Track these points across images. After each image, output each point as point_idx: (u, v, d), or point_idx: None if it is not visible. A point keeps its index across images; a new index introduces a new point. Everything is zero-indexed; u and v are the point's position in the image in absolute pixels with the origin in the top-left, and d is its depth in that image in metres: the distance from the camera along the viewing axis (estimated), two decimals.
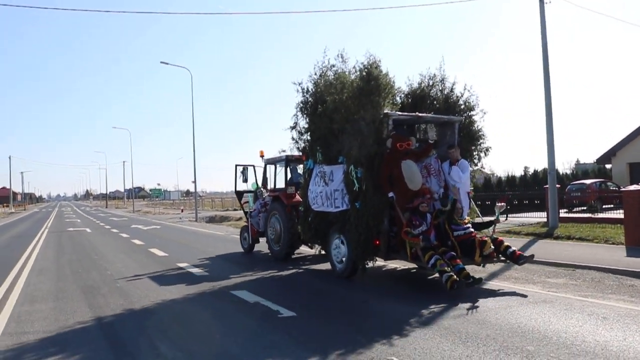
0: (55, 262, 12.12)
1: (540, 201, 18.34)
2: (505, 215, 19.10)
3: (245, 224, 13.44)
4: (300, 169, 11.64)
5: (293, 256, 11.57)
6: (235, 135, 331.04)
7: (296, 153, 10.49)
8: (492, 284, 7.76)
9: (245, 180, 13.46)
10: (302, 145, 9.56)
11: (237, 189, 13.99)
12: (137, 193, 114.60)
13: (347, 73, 8.63)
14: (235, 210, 37.34)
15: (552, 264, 9.28)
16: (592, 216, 15.85)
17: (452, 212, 7.76)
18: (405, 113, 8.55)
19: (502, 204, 8.16)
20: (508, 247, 7.60)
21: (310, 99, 9.03)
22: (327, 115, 8.38)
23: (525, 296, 6.82)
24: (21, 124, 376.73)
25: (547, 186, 15.25)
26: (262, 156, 12.91)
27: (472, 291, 7.16)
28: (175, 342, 5.21)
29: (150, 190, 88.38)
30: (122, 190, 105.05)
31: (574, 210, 19.55)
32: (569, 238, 12.50)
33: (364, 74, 8.16)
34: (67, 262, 12.15)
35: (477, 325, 5.42)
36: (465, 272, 7.03)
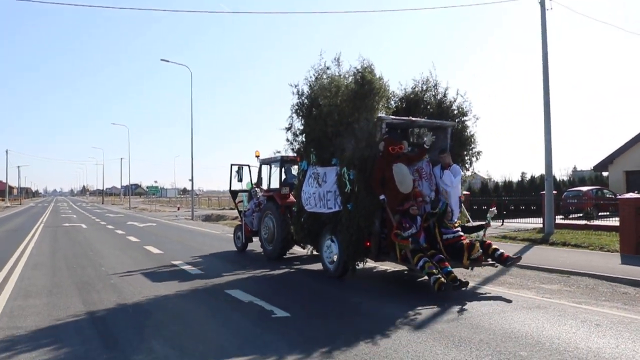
0: (50, 258, 12.08)
1: (537, 207, 18.39)
2: (501, 221, 19.21)
3: (239, 223, 13.48)
4: (294, 169, 11.73)
5: (285, 256, 11.65)
6: (234, 134, 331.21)
7: (291, 154, 10.57)
8: (487, 289, 7.78)
9: (240, 180, 13.55)
10: (297, 146, 9.66)
11: (232, 188, 14.08)
12: (133, 190, 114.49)
13: (341, 77, 8.74)
14: (231, 209, 37.27)
15: (547, 270, 9.30)
16: (588, 223, 15.89)
17: (443, 215, 7.87)
18: (399, 117, 8.70)
19: (493, 208, 8.32)
20: (496, 249, 7.71)
21: (305, 101, 9.13)
22: (322, 117, 8.51)
23: (510, 301, 6.83)
24: (19, 118, 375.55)
25: (543, 192, 15.29)
26: (257, 156, 13.00)
27: (465, 295, 7.20)
28: (168, 340, 5.20)
29: (147, 187, 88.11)
30: (119, 186, 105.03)
31: (570, 216, 19.61)
32: (564, 244, 12.54)
33: (358, 78, 8.30)
34: (62, 257, 12.11)
35: (471, 330, 5.42)
36: (452, 274, 7.12)
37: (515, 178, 41.89)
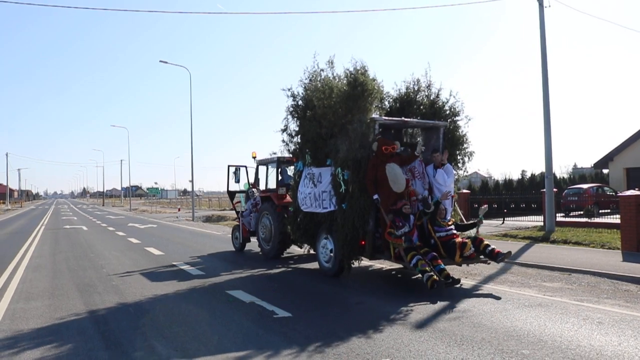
0: (51, 260, 12.09)
1: (537, 205, 18.40)
2: (502, 219, 19.22)
3: (237, 223, 13.58)
4: (290, 170, 11.86)
5: (283, 255, 11.76)
6: (234, 135, 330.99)
7: (287, 155, 10.69)
8: (488, 287, 7.79)
9: (237, 181, 13.71)
10: (293, 147, 9.77)
11: (230, 189, 14.20)
12: (134, 191, 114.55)
13: (335, 79, 8.86)
14: (232, 210, 37.27)
15: (548, 267, 9.31)
16: (589, 221, 15.90)
17: (436, 213, 7.99)
18: (392, 118, 8.86)
19: (485, 206, 8.48)
20: (487, 245, 7.87)
21: (300, 103, 9.23)
22: (316, 119, 8.63)
23: (512, 299, 6.84)
24: (19, 120, 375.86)
25: (544, 190, 15.29)
26: (254, 157, 13.22)
27: (466, 293, 7.24)
28: (171, 341, 5.20)
29: (148, 189, 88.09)
30: (119, 188, 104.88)
31: (571, 214, 19.63)
32: (565, 242, 12.54)
33: (351, 79, 8.42)
34: (64, 259, 12.12)
35: (473, 328, 5.42)
36: (445, 272, 7.32)
37: (516, 176, 41.92)
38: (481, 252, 7.84)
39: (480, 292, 7.45)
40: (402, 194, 8.05)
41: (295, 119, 9.37)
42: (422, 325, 5.63)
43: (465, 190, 20.94)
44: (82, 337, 5.42)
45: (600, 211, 18.18)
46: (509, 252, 7.95)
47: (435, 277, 7.14)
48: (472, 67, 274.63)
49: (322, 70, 9.08)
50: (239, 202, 13.52)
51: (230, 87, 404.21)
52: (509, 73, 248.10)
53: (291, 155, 10.22)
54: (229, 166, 13.77)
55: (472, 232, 8.54)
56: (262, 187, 12.88)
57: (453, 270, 8.81)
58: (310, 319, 6.07)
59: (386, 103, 9.64)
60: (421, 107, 9.53)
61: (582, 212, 18.40)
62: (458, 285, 7.50)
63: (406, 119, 8.88)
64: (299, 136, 9.46)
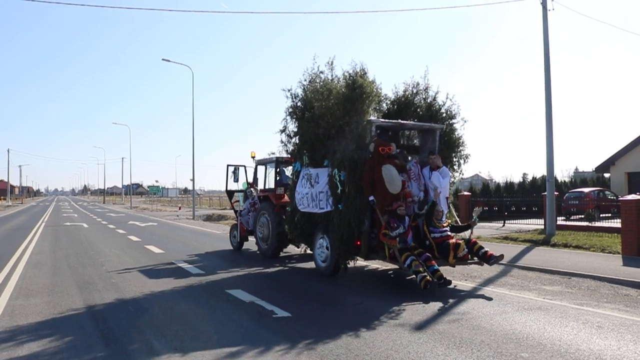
0: (51, 257, 12.10)
1: (538, 208, 18.38)
2: (502, 222, 19.20)
3: (236, 222, 13.62)
4: (289, 170, 11.95)
5: (280, 254, 11.86)
6: (236, 134, 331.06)
7: (285, 155, 10.74)
8: (487, 290, 7.78)
9: (236, 180, 13.79)
10: (291, 148, 9.82)
11: (228, 188, 14.28)
12: (135, 189, 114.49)
13: (334, 80, 8.93)
14: (231, 209, 37.29)
15: (549, 271, 9.29)
16: (590, 225, 15.87)
17: (431, 215, 8.06)
18: (388, 120, 8.96)
19: (479, 208, 8.57)
20: (481, 247, 7.96)
21: (299, 104, 9.28)
22: (314, 120, 8.68)
23: (511, 302, 6.83)
24: (21, 117, 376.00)
25: (545, 193, 15.27)
26: (253, 157, 13.32)
27: (466, 296, 7.24)
28: (170, 340, 5.20)
29: (148, 187, 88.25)
30: (120, 186, 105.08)
31: (572, 218, 19.59)
32: (565, 246, 12.52)
33: (349, 82, 8.49)
34: (64, 256, 12.13)
35: (472, 331, 5.42)
36: (439, 273, 7.43)
37: (517, 179, 41.88)
38: (474, 253, 7.92)
39: (479, 294, 7.44)
40: (398, 196, 8.13)
41: (294, 119, 9.42)
42: (421, 327, 5.63)
43: (466, 193, 20.95)
44: (81, 335, 5.42)
45: (601, 215, 18.15)
46: (502, 255, 8.00)
47: (428, 277, 7.27)
48: (475, 68, 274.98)
49: (322, 72, 9.14)
50: (238, 201, 13.59)
51: (230, 87, 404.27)
52: (511, 75, 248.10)
53: (289, 156, 10.29)
54: (228, 165, 13.89)
55: (466, 234, 8.59)
56: (260, 186, 13.00)
57: (452, 271, 8.85)
58: (310, 319, 6.06)
59: (384, 105, 9.76)
60: (418, 110, 9.62)
61: (583, 216, 18.38)
62: (458, 288, 7.51)
63: (403, 122, 8.98)
64: (297, 137, 9.51)
